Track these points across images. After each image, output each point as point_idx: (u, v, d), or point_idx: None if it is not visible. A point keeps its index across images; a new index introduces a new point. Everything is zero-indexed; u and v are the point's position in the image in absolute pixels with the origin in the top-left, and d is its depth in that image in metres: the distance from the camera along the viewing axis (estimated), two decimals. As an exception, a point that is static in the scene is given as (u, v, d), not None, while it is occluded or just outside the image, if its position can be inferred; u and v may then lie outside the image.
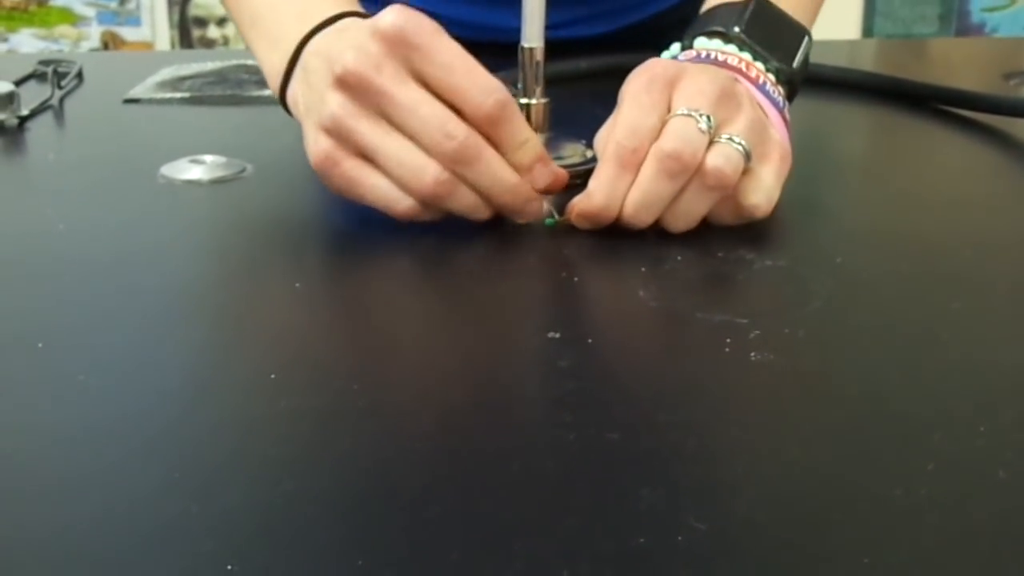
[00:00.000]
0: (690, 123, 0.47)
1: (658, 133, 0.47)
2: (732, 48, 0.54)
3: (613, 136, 0.48)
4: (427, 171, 0.46)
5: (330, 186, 0.49)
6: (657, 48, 0.59)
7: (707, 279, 0.45)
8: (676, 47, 0.58)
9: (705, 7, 0.60)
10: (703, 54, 0.54)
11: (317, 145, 0.48)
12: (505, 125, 0.47)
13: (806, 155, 0.53)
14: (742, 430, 0.33)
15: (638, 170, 0.47)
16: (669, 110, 0.48)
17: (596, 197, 0.48)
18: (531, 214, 0.49)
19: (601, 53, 0.82)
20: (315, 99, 0.49)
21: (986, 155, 0.67)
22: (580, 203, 0.48)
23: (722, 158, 0.47)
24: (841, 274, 0.46)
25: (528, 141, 0.48)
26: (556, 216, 0.49)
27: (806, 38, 0.56)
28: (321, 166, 0.48)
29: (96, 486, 0.30)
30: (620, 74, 0.51)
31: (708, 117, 0.47)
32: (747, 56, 0.54)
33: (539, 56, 0.52)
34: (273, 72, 0.55)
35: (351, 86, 0.46)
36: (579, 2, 0.88)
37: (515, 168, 0.47)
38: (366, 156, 0.48)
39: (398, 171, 0.47)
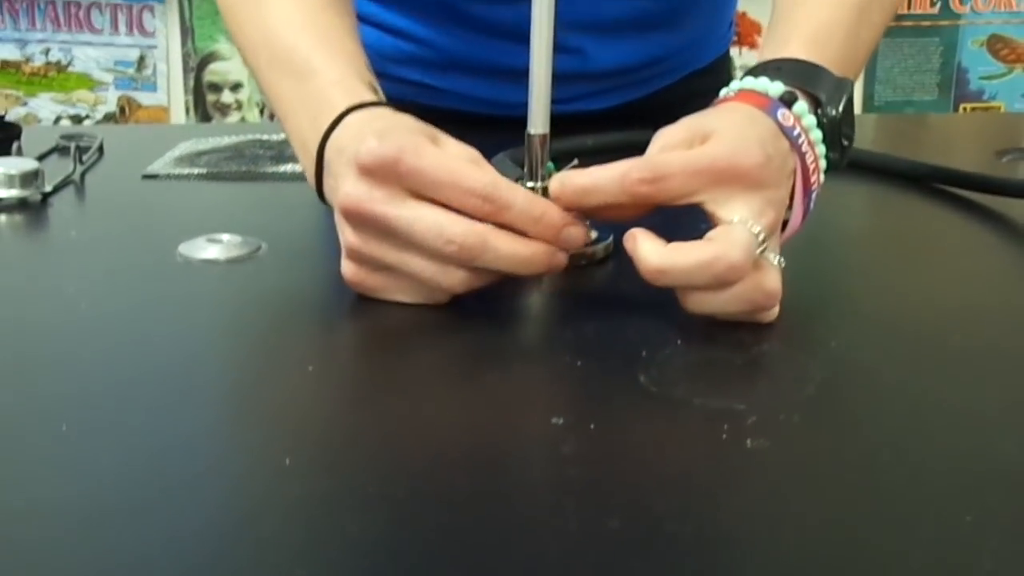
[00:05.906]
0: (751, 240, 0.47)
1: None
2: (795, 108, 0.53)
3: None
4: (446, 279, 0.49)
5: (365, 293, 0.52)
6: (663, 124, 0.57)
7: (705, 364, 0.46)
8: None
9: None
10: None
11: (346, 268, 0.52)
12: (505, 213, 0.48)
13: (800, 235, 0.55)
14: (738, 518, 0.35)
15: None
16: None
17: (652, 260, 0.47)
18: (556, 269, 0.50)
19: (607, 129, 0.84)
20: (336, 218, 0.52)
21: (980, 233, 0.68)
22: (640, 257, 0.47)
23: (774, 283, 0.48)
24: (835, 358, 0.47)
25: (543, 215, 0.49)
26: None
27: (848, 83, 0.55)
28: (351, 284, 0.52)
29: (111, 569, 0.31)
30: (627, 150, 0.52)
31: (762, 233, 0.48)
32: (806, 122, 0.52)
33: (545, 142, 0.54)
34: (308, 172, 0.57)
35: (353, 217, 0.49)
36: (584, 78, 0.90)
37: (542, 239, 0.49)
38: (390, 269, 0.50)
39: (423, 280, 0.50)
